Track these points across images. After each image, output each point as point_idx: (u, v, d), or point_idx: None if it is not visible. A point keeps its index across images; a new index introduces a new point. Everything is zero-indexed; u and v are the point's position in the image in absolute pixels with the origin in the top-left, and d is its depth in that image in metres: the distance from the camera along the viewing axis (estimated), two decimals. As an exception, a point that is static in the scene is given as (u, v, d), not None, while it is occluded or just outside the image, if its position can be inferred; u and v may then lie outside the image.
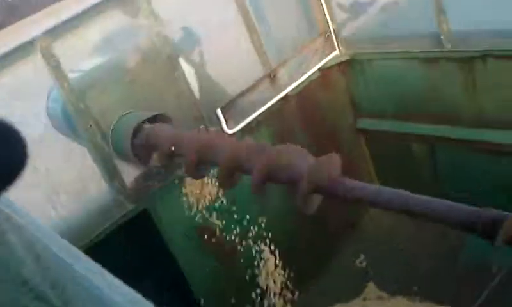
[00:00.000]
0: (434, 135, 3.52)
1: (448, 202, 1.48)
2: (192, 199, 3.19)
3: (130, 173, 3.03)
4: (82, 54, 2.91)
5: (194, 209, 3.22)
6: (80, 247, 0.99)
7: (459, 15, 3.26)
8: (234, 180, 2.16)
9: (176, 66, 3.12)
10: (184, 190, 3.16)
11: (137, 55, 3.01)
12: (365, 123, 3.95)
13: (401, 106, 3.65)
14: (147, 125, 2.79)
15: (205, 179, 3.15)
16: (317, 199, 1.82)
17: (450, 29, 3.21)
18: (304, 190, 1.71)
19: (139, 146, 2.78)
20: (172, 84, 3.13)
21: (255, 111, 3.41)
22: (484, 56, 3.07)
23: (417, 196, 1.54)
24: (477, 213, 1.37)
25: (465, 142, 3.34)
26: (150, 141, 2.69)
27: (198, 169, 2.30)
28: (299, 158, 1.82)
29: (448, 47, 3.25)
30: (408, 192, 1.57)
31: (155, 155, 2.72)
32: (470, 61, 3.16)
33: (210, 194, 3.25)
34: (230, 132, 3.30)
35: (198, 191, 3.19)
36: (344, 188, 1.68)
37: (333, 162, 1.73)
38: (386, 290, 3.75)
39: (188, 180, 3.13)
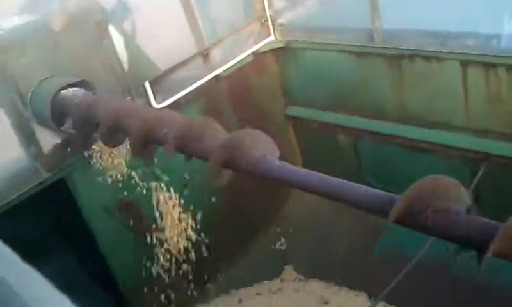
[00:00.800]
0: (359, 128, 3.61)
1: (362, 186, 1.51)
2: (111, 171, 3.11)
3: (48, 140, 2.91)
4: (2, 12, 2.77)
5: (114, 181, 3.14)
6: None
7: (392, 14, 3.35)
8: (149, 150, 2.12)
9: (105, 34, 3.03)
10: (103, 161, 3.08)
11: (63, 18, 2.89)
12: (295, 110, 4.00)
13: (330, 97, 3.72)
14: (67, 91, 2.69)
15: (125, 149, 3.05)
16: (227, 174, 1.82)
17: (382, 26, 3.30)
18: (214, 162, 1.71)
19: (58, 112, 2.69)
20: (99, 52, 3.03)
21: (184, 88, 3.37)
22: (412, 55, 3.18)
23: (331, 178, 1.57)
24: (386, 197, 1.41)
25: (388, 137, 3.45)
26: (67, 107, 2.60)
27: (113, 137, 2.24)
28: (213, 131, 1.82)
29: (379, 43, 3.34)
30: (319, 173, 1.60)
31: (70, 121, 2.64)
32: (399, 58, 3.26)
33: (129, 165, 3.18)
34: (158, 106, 3.24)
35: (118, 162, 3.11)
36: (248, 163, 1.68)
37: (252, 138, 1.72)
38: (303, 273, 3.84)
39: (108, 150, 3.05)
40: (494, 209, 2.88)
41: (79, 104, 2.57)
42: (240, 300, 3.73)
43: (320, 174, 1.58)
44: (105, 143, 2.53)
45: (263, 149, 1.73)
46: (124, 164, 3.12)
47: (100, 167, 3.07)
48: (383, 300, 3.22)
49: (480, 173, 2.76)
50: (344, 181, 1.53)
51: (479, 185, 2.78)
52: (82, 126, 2.55)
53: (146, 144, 2.03)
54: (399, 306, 3.29)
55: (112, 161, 3.08)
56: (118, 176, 3.14)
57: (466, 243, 1.19)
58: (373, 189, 1.49)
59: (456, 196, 1.26)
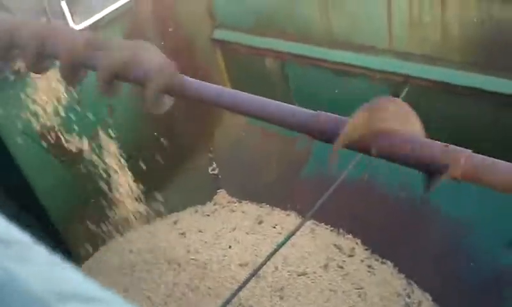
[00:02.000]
0: (287, 52, 3.60)
1: (292, 106, 1.51)
2: (34, 96, 2.95)
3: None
4: None
5: (36, 107, 2.99)
6: None
7: None
8: (79, 76, 2.01)
9: None
10: (24, 86, 2.91)
11: None
12: (222, 34, 3.91)
13: (258, 20, 3.66)
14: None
15: (49, 74, 2.89)
16: (168, 100, 1.76)
17: None
18: (153, 89, 1.64)
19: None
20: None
21: (104, 8, 3.18)
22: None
23: (259, 98, 1.56)
24: (315, 117, 1.41)
25: (315, 60, 3.47)
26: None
27: (39, 63, 2.10)
28: (149, 55, 1.73)
29: (305, -38, 3.29)
30: (247, 94, 1.58)
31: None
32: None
33: (54, 91, 3.03)
34: (76, 28, 3.06)
35: (41, 87, 2.95)
36: (189, 87, 1.63)
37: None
38: (236, 196, 3.91)
39: (30, 74, 2.88)
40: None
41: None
42: (175, 222, 3.76)
43: (247, 93, 1.57)
44: (31, 70, 2.37)
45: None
46: (49, 91, 2.97)
47: (22, 93, 2.90)
48: (311, 219, 3.37)
49: (402, 95, 2.86)
50: (272, 100, 1.53)
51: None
52: (4, 52, 2.36)
53: (76, 70, 1.91)
54: (327, 223, 3.46)
55: (38, 87, 2.93)
56: (42, 104, 2.99)
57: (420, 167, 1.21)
58: (302, 109, 1.50)
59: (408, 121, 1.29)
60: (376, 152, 1.19)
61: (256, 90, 3.85)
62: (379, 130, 1.17)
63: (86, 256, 3.51)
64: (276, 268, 3.23)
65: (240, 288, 2.36)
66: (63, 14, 3.01)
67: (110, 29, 3.25)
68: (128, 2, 3.32)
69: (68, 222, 3.35)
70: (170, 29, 3.68)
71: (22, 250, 0.40)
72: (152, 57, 1.75)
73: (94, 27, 3.13)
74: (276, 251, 2.50)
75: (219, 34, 3.92)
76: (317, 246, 3.38)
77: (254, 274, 2.49)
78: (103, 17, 3.19)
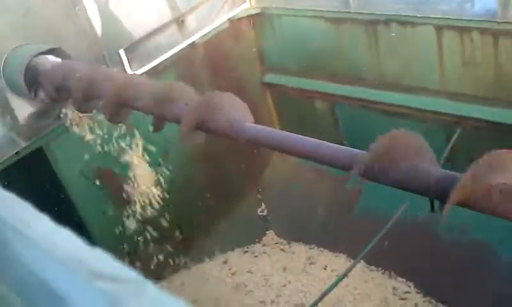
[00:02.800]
0: (336, 94, 3.63)
1: (335, 145, 1.53)
2: (90, 139, 3.08)
3: (24, 109, 2.86)
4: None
5: (93, 149, 3.12)
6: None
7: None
8: (122, 116, 2.11)
9: (77, 1, 2.96)
10: (82, 130, 3.04)
11: (33, -17, 2.81)
12: (272, 77, 3.99)
13: (307, 63, 3.73)
14: (40, 58, 2.64)
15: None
16: (200, 136, 1.81)
17: (358, -8, 3.31)
18: (186, 124, 1.70)
19: (32, 80, 2.64)
20: (72, 19, 2.97)
21: (160, 55, 3.33)
22: (388, 21, 3.20)
23: (306, 138, 1.58)
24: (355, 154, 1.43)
25: (365, 102, 3.48)
26: (40, 75, 2.55)
27: (86, 104, 2.22)
28: (185, 94, 1.80)
29: (355, 8, 3.34)
30: (294, 134, 1.61)
31: (41, 90, 2.59)
32: (374, 23, 3.27)
33: (108, 134, 3.16)
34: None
35: (96, 131, 3.08)
36: (221, 124, 1.67)
37: (224, 100, 1.72)
38: (285, 237, 3.90)
39: (87, 119, 3.02)
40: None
41: (52, 72, 2.53)
42: (225, 261, 3.77)
43: (296, 134, 1.59)
44: (78, 110, 2.50)
45: (236, 111, 1.73)
46: (100, 130, 3.10)
47: (78, 135, 3.03)
48: (362, 261, 3.31)
49: (455, 136, 2.82)
50: (318, 140, 1.55)
51: (455, 147, 2.84)
52: (56, 94, 2.51)
53: (118, 109, 2.01)
54: (379, 266, 3.39)
55: (89, 128, 3.06)
56: (98, 146, 3.12)
57: (428, 193, 1.22)
58: (347, 148, 1.51)
59: (417, 150, 1.30)
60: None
61: (306, 132, 3.90)
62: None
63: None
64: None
65: None
66: (121, 61, 3.17)
67: (165, 75, 3.39)
68: (181, 49, 3.45)
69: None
70: (221, 74, 3.79)
71: (136, 287, 0.44)
72: (188, 96, 1.80)
73: (150, 73, 3.27)
74: (329, 290, 2.47)
75: (269, 77, 4.01)
76: (369, 288, 3.30)
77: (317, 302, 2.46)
78: (158, 64, 3.33)
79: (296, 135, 1.64)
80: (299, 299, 3.34)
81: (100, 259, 0.47)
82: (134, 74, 2.19)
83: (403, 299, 3.19)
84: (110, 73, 2.23)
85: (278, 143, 1.64)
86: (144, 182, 3.38)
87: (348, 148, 1.49)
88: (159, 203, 3.45)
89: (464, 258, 3.09)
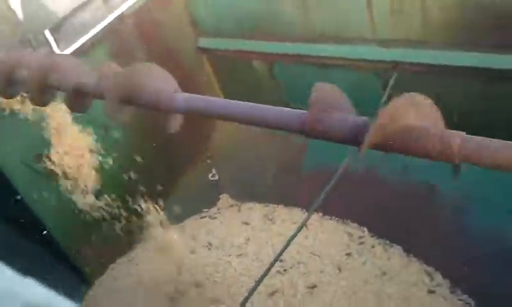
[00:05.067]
0: (273, 52, 3.62)
1: (277, 108, 1.52)
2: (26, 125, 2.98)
3: None
4: None
5: (30, 134, 3.02)
6: None
7: None
8: (47, 98, 2.04)
9: (-10, -16, 2.79)
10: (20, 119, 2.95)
11: None
12: (206, 41, 3.93)
13: (240, 24, 3.68)
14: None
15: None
16: (128, 111, 1.76)
17: None
18: (110, 100, 1.65)
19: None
20: (-12, 4, 2.81)
21: (88, 32, 3.21)
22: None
23: (239, 102, 1.56)
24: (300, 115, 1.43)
25: (301, 57, 3.49)
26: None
27: (9, 89, 2.13)
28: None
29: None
30: (225, 100, 1.59)
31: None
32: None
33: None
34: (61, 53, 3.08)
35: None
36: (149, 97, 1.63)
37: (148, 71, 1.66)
38: (239, 199, 3.93)
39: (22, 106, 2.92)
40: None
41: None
42: (183, 229, 3.79)
43: (228, 100, 1.57)
44: (3, 96, 2.40)
45: (162, 82, 1.68)
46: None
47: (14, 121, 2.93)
48: (316, 213, 3.41)
49: (391, 82, 2.89)
50: (255, 104, 1.52)
51: (393, 94, 2.91)
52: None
53: (42, 92, 1.94)
54: (332, 215, 3.49)
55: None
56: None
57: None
58: (287, 109, 1.49)
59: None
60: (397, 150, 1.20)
61: (248, 93, 3.92)
62: (400, 128, 1.18)
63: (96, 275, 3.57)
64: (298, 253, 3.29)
65: (264, 275, 2.38)
66: (48, 42, 3.04)
67: (95, 51, 3.27)
68: (109, 23, 3.33)
69: (76, 245, 3.38)
70: (154, 44, 3.70)
71: None
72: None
73: (79, 51, 3.16)
74: (291, 240, 2.53)
75: (204, 42, 3.94)
76: (327, 237, 3.41)
77: (277, 258, 2.52)
78: (87, 40, 3.21)
79: (221, 100, 1.61)
80: (266, 251, 3.41)
81: (33, 289, 0.47)
82: (54, 54, 2.10)
83: (361, 243, 3.31)
84: (28, 56, 2.13)
85: (205, 110, 1.60)
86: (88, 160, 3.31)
87: (289, 109, 1.48)
88: (105, 180, 3.40)
89: (410, 198, 3.22)
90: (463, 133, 1.11)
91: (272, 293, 3.17)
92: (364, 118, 1.23)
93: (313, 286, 3.15)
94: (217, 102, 1.60)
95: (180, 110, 1.69)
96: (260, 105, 1.47)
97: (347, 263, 3.23)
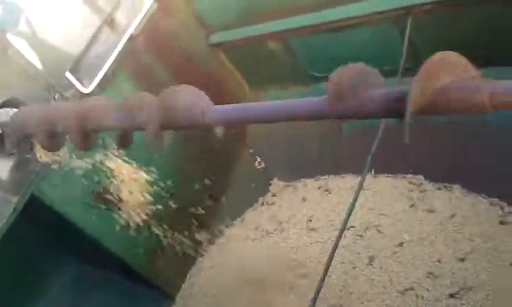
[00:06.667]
0: (283, 30, 3.61)
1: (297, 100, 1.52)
2: (77, 168, 3.12)
3: (1, 166, 2.86)
4: None
5: (82, 176, 3.16)
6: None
7: None
8: (91, 141, 2.12)
9: (6, 45, 2.89)
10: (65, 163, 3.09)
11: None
12: (218, 36, 3.95)
13: (245, 11, 3.68)
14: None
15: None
16: (167, 136, 1.82)
17: None
18: (152, 131, 1.71)
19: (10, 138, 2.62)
20: (9, 64, 2.91)
21: (105, 62, 3.28)
22: None
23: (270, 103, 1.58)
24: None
25: (313, 27, 3.44)
26: (20, 129, 2.54)
27: (53, 142, 2.23)
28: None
29: None
30: (258, 103, 1.61)
31: (7, 143, 2.59)
32: None
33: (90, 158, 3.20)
34: (87, 91, 3.17)
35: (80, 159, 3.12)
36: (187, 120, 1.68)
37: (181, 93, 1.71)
38: (289, 179, 3.99)
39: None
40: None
41: (9, 125, 2.50)
42: (243, 220, 3.92)
43: (261, 103, 1.60)
44: (48, 150, 2.51)
45: (193, 99, 1.72)
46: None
47: (66, 170, 3.08)
48: (369, 172, 3.43)
49: (408, 28, 2.84)
50: (287, 101, 1.52)
51: (412, 40, 2.88)
52: (21, 144, 2.50)
53: (85, 137, 2.03)
54: (386, 172, 3.50)
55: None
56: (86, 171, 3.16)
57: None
58: (311, 99, 1.48)
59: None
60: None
61: (271, 74, 3.92)
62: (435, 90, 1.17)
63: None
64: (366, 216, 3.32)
65: (337, 242, 2.42)
66: (71, 83, 3.14)
67: (118, 77, 3.36)
68: (122, 47, 3.39)
69: (150, 267, 3.56)
70: (169, 53, 3.75)
71: None
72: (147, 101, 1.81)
73: (103, 82, 3.25)
74: (354, 201, 2.55)
75: (215, 37, 3.96)
76: (389, 193, 3.43)
77: (345, 223, 2.55)
78: (107, 71, 3.29)
79: (255, 104, 1.63)
80: (333, 221, 3.48)
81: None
82: (90, 98, 2.17)
83: (421, 191, 3.31)
84: (64, 105, 2.22)
85: (242, 117, 1.65)
86: (140, 187, 3.44)
87: (312, 98, 1.48)
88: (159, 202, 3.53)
89: (461, 136, 3.17)
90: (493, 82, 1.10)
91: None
92: (397, 89, 1.22)
93: (401, 243, 3.15)
94: (251, 107, 1.63)
95: (218, 124, 1.73)
96: (290, 100, 1.50)
97: (415, 214, 3.24)
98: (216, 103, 1.66)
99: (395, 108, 1.20)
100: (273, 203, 3.94)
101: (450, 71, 1.15)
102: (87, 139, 2.10)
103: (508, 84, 1.06)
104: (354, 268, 3.14)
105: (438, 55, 1.13)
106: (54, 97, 3.09)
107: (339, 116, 1.37)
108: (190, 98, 1.67)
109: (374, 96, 1.26)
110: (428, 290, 2.83)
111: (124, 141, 2.05)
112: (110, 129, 2.00)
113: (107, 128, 1.98)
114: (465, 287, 2.74)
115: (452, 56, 1.15)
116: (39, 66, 3.04)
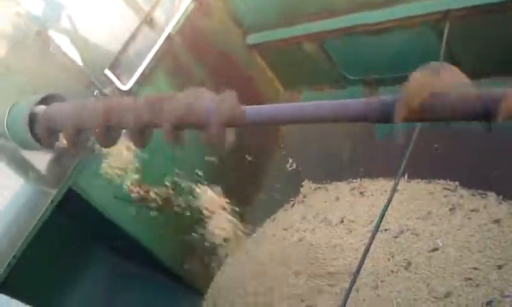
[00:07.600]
0: (319, 31, 3.61)
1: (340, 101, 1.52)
2: (113, 164, 3.19)
3: (42, 160, 2.95)
4: None
5: (118, 171, 3.22)
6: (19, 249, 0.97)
7: None
8: (146, 137, 2.15)
9: (48, 41, 2.98)
10: (103, 158, 3.17)
11: (3, 42, 2.83)
12: (255, 38, 3.98)
13: (283, 12, 3.70)
14: (40, 108, 2.68)
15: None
16: (229, 134, 1.84)
17: None
18: (214, 128, 1.73)
19: (40, 132, 2.69)
20: (51, 60, 3.00)
21: (143, 60, 3.35)
22: None
23: (309, 103, 1.58)
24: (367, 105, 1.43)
25: (349, 29, 3.44)
26: (49, 124, 2.59)
27: (107, 136, 2.27)
28: (201, 99, 1.82)
29: None
30: (295, 104, 1.62)
31: (62, 137, 2.64)
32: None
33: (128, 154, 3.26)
34: (126, 88, 3.24)
35: (116, 156, 3.18)
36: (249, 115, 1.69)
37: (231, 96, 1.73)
38: (320, 181, 3.98)
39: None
40: (470, 59, 2.95)
41: (58, 118, 2.56)
42: (275, 220, 3.92)
43: (297, 103, 1.60)
44: (104, 146, 2.55)
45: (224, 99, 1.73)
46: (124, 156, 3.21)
47: (104, 165, 3.17)
48: (402, 177, 3.38)
49: (446, 32, 2.81)
50: (321, 102, 1.53)
51: (449, 43, 2.84)
52: (72, 138, 2.54)
53: (141, 133, 2.06)
54: (418, 177, 3.47)
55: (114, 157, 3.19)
56: (122, 167, 3.24)
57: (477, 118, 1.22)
58: (351, 101, 1.49)
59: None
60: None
61: (306, 76, 3.92)
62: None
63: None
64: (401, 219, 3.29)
65: (370, 243, 2.39)
66: (110, 80, 3.21)
67: (155, 75, 3.43)
68: (160, 46, 3.46)
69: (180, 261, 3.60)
70: (206, 52, 3.80)
71: None
72: (206, 99, 1.83)
73: (141, 80, 3.31)
74: (388, 204, 2.52)
75: (252, 38, 4.00)
76: (423, 199, 3.37)
77: (378, 225, 2.52)
78: (145, 68, 3.36)
79: (287, 104, 1.64)
80: (369, 218, 3.45)
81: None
82: (147, 96, 2.22)
83: (458, 197, 3.24)
84: (124, 101, 2.25)
85: (274, 118, 1.65)
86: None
87: (348, 100, 1.48)
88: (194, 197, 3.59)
89: (493, 142, 3.11)
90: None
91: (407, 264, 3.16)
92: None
93: (434, 249, 3.07)
94: (285, 108, 1.64)
95: (253, 124, 1.74)
96: (325, 101, 1.49)
97: (452, 220, 3.19)
98: (251, 104, 1.67)
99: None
100: (304, 203, 3.93)
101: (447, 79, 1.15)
102: (142, 134, 2.14)
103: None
104: (388, 270, 3.11)
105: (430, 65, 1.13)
106: (94, 93, 3.16)
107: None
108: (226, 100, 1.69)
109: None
110: (463, 297, 2.77)
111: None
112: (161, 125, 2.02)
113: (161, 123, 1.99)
114: (501, 296, 2.67)
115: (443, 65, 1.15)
116: (79, 62, 3.12)
